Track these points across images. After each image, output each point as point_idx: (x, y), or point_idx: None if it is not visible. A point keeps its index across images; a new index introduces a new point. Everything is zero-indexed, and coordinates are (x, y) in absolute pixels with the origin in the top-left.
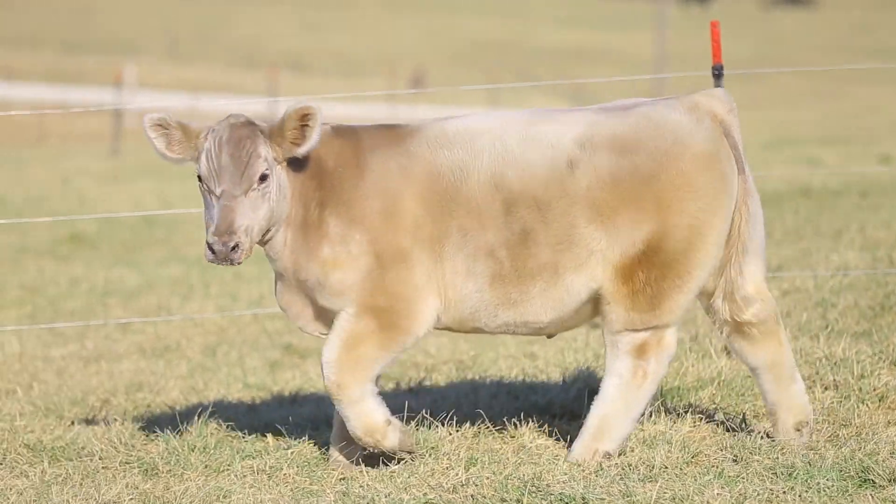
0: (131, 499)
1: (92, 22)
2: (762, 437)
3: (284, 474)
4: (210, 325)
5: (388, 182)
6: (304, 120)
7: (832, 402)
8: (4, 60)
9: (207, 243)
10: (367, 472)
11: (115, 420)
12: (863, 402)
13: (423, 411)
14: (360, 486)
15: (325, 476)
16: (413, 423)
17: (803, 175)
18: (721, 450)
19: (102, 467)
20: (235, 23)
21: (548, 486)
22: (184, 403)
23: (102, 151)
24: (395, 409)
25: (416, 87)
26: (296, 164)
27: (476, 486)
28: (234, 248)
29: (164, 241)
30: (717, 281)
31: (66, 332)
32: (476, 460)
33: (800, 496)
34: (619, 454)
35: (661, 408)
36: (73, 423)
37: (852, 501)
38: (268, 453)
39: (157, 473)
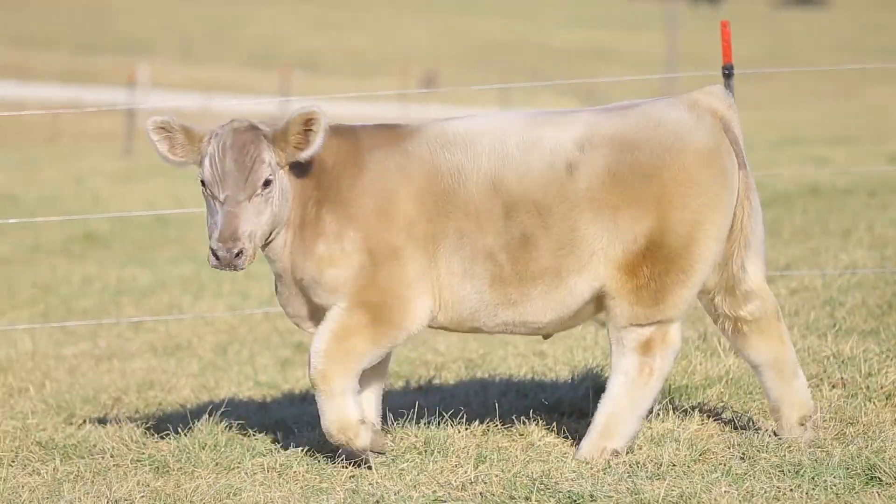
0: (142, 496)
1: (106, 22)
2: (769, 436)
3: (294, 472)
4: (221, 323)
5: (385, 181)
6: (308, 125)
7: (839, 400)
8: (19, 60)
9: (212, 249)
10: (376, 470)
11: (127, 418)
12: (870, 401)
13: (434, 409)
14: (370, 484)
15: (334, 474)
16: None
17: (812, 174)
18: (728, 448)
19: (114, 465)
20: (248, 23)
21: (556, 483)
22: (195, 402)
23: (115, 151)
24: (405, 407)
25: (428, 87)
26: (296, 165)
27: (485, 483)
28: (238, 255)
29: (176, 240)
30: (719, 277)
31: (79, 330)
32: (485, 458)
33: (807, 494)
34: (627, 452)
35: (670, 406)
36: (84, 421)
37: (859, 499)
38: (278, 451)
39: (168, 471)
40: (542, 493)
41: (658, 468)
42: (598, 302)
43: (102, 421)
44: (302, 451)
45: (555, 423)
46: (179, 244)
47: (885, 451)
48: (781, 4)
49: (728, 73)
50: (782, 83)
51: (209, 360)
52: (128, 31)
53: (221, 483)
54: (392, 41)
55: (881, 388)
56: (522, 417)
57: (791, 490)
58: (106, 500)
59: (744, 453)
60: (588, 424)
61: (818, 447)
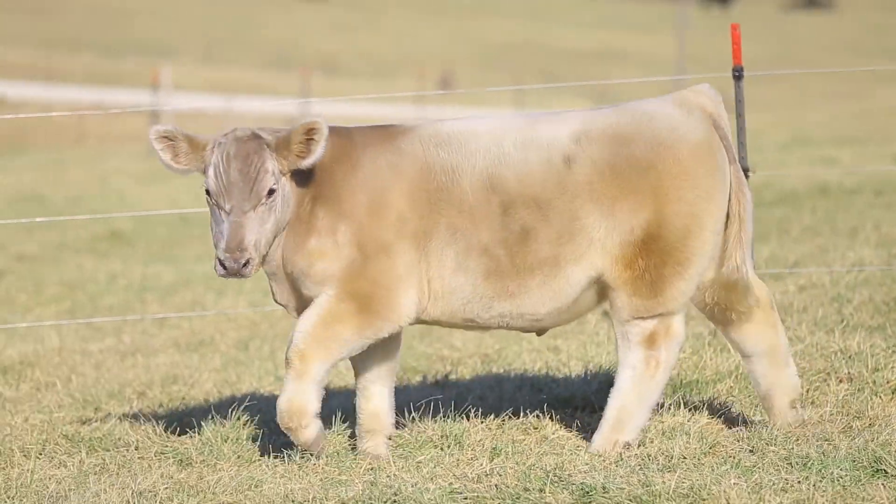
0: (166, 488)
1: (130, 26)
2: (777, 429)
3: (314, 465)
4: (243, 320)
5: (377, 178)
6: (310, 134)
7: (846, 395)
8: (45, 63)
9: (218, 259)
10: (394, 463)
11: (151, 412)
12: (876, 395)
13: (450, 403)
14: (387, 476)
15: (353, 466)
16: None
17: (820, 174)
18: (738, 441)
19: (138, 457)
20: (269, 26)
21: (569, 475)
22: (217, 396)
23: (140, 152)
24: (423, 401)
25: (444, 89)
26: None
27: (500, 476)
28: (245, 265)
29: (199, 238)
30: (716, 272)
31: (104, 326)
32: (500, 451)
33: (814, 486)
34: (639, 445)
35: (680, 400)
36: (110, 414)
37: (865, 491)
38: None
39: (191, 464)
40: (555, 485)
41: (669, 461)
42: (593, 296)
43: (127, 415)
44: None
45: (568, 417)
46: (202, 242)
47: (891, 444)
48: (790, 7)
49: (738, 74)
50: (791, 85)
51: (231, 355)
52: (151, 34)
53: (243, 475)
54: (409, 43)
55: (887, 382)
56: (536, 411)
57: (799, 482)
58: (130, 492)
59: (753, 446)
60: (601, 418)
61: (825, 440)
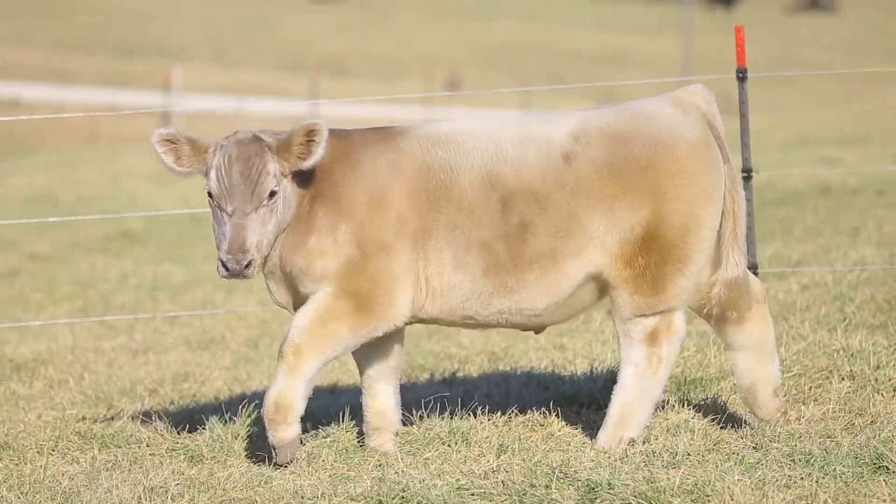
0: (177, 484)
1: (142, 28)
2: (781, 426)
3: (323, 461)
4: (253, 318)
5: (377, 177)
6: (310, 136)
7: (849, 392)
8: (59, 64)
9: (221, 260)
10: (402, 459)
11: (162, 409)
12: (878, 392)
13: (457, 401)
14: (396, 473)
15: (362, 462)
16: (447, 413)
17: (822, 174)
18: (741, 438)
19: (150, 454)
20: (279, 28)
21: (575, 472)
22: (228, 393)
23: (151, 152)
24: (430, 399)
25: (452, 90)
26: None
27: (507, 472)
28: (247, 266)
29: (209, 238)
30: (711, 270)
31: (116, 324)
32: (507, 447)
33: (817, 482)
34: (644, 442)
35: (685, 397)
36: (122, 411)
37: (867, 487)
38: (307, 441)
39: (202, 460)
40: (561, 481)
41: (673, 457)
42: (591, 294)
43: (139, 412)
44: (330, 440)
45: (574, 415)
46: (212, 242)
47: (893, 441)
48: (793, 10)
49: (742, 76)
50: (794, 86)
51: (241, 353)
52: (163, 36)
53: (253, 471)
54: (417, 45)
55: (889, 380)
56: (543, 409)
57: (802, 478)
58: (142, 488)
59: (756, 443)
60: (605, 415)
61: (828, 437)
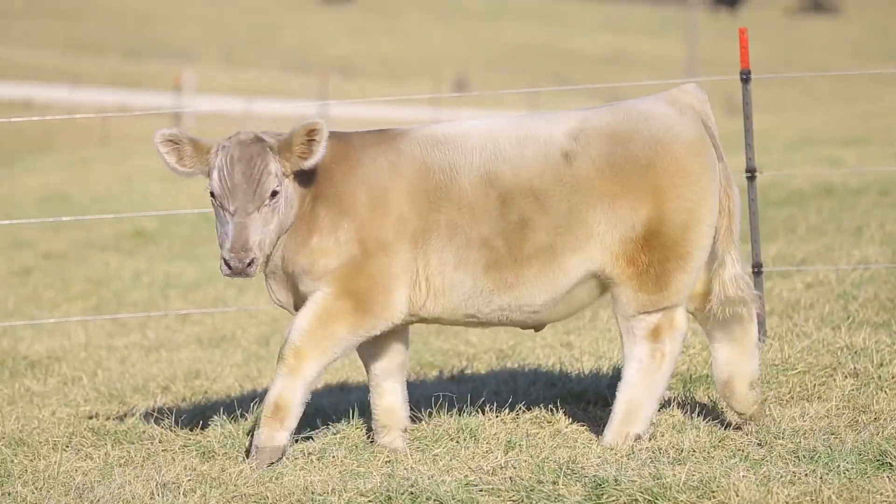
0: (189, 480)
1: (153, 30)
2: (785, 423)
3: (333, 457)
4: (264, 316)
5: (378, 177)
6: (311, 135)
7: (852, 390)
8: (71, 66)
9: (224, 259)
10: (411, 456)
11: (174, 406)
12: (882, 390)
13: (466, 398)
14: (405, 469)
15: (371, 459)
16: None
17: (826, 174)
18: (746, 434)
19: (162, 450)
20: (288, 30)
21: (582, 468)
22: (239, 390)
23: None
24: (439, 396)
25: (459, 91)
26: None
27: (514, 468)
28: (249, 264)
29: None
30: (707, 269)
31: (129, 322)
32: (514, 444)
33: (821, 478)
34: (650, 438)
35: (690, 395)
36: (134, 408)
37: (871, 483)
38: (318, 437)
39: (213, 456)
40: (568, 477)
41: (679, 454)
42: (590, 292)
43: (151, 408)
44: (340, 437)
45: (581, 412)
46: None
47: None
48: (796, 12)
49: (746, 77)
50: (797, 87)
51: (252, 350)
52: (173, 38)
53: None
54: (425, 46)
55: (892, 377)
56: (550, 405)
57: (806, 475)
58: (155, 484)
59: (761, 440)
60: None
61: (832, 434)
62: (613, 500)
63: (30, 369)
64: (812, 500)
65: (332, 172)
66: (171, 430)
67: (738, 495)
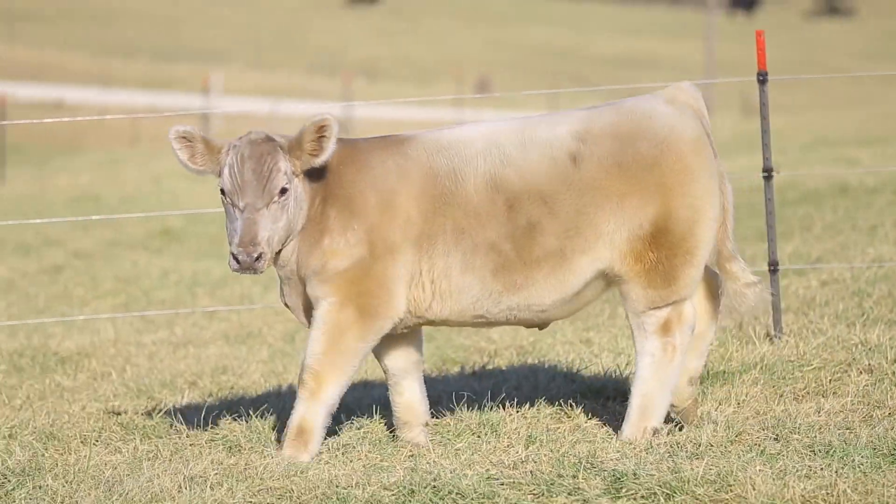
0: (216, 473)
1: (181, 33)
2: (802, 418)
3: (357, 451)
4: (289, 313)
5: (386, 179)
6: (321, 132)
7: (867, 385)
8: (102, 69)
9: (232, 254)
10: (433, 450)
11: (202, 401)
12: None
13: (487, 393)
14: (427, 463)
15: (394, 453)
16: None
17: (841, 174)
18: (763, 429)
19: (190, 444)
20: (314, 33)
21: (602, 462)
22: (264, 386)
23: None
24: (460, 391)
25: (482, 92)
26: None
27: (535, 462)
28: (258, 259)
29: None
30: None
31: (157, 319)
32: (535, 439)
33: (836, 472)
34: (668, 433)
35: (707, 390)
36: (162, 403)
37: (885, 477)
38: (342, 432)
39: (240, 450)
40: (588, 471)
41: (697, 448)
42: (595, 289)
43: (179, 403)
44: (364, 431)
45: (600, 407)
46: None
47: None
48: (812, 14)
49: (762, 79)
50: (813, 89)
51: (278, 347)
52: (202, 41)
53: (289, 457)
54: (448, 49)
55: None
56: (570, 401)
57: (821, 469)
58: (182, 477)
59: (777, 434)
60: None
61: (847, 429)
62: (632, 494)
63: (60, 365)
64: (827, 493)
65: (342, 175)
66: (198, 425)
67: (754, 489)
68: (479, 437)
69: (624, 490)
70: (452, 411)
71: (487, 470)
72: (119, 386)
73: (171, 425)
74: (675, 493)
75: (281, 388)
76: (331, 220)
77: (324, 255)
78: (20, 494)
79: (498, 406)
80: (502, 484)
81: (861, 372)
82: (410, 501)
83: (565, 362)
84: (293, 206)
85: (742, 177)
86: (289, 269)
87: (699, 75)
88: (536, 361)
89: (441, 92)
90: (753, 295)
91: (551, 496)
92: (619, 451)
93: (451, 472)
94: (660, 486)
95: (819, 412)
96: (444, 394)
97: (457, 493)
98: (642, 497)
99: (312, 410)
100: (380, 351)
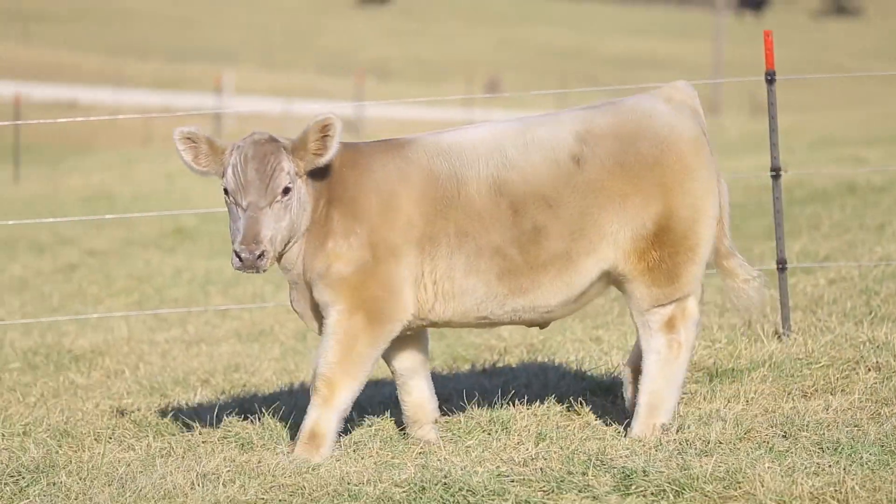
0: (228, 471)
1: (194, 33)
2: (810, 415)
3: (368, 448)
4: None
5: (388, 182)
6: (324, 131)
7: (875, 383)
8: (115, 69)
9: (235, 252)
10: (444, 447)
11: (214, 398)
12: None
13: (497, 391)
14: (438, 460)
15: (405, 450)
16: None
17: (849, 173)
18: (772, 426)
19: (202, 441)
20: (325, 33)
21: (611, 459)
22: (276, 383)
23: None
24: (471, 389)
25: (492, 92)
26: (308, 173)
27: (545, 460)
28: (260, 256)
29: None
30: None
31: (170, 317)
32: (545, 436)
33: (844, 469)
34: (677, 430)
35: (716, 388)
36: (175, 400)
37: (893, 474)
38: (353, 429)
39: (252, 447)
40: (598, 468)
41: (706, 446)
42: (599, 287)
43: (192, 401)
44: (375, 429)
45: (609, 404)
46: None
47: None
48: (820, 15)
49: (771, 78)
50: (821, 88)
51: (290, 345)
52: (214, 41)
53: (301, 458)
54: (458, 49)
55: None
56: (580, 398)
57: (830, 466)
58: (195, 474)
59: (786, 432)
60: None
61: (855, 426)
62: (642, 491)
63: (74, 363)
64: (835, 490)
65: (345, 177)
66: (211, 423)
67: (763, 486)
68: (489, 434)
69: (633, 487)
70: (463, 409)
71: (498, 467)
72: (132, 383)
73: (184, 423)
74: (684, 489)
75: (293, 386)
76: (334, 223)
77: (328, 258)
78: (34, 491)
79: (508, 403)
80: (512, 481)
81: (869, 369)
82: (421, 498)
83: (575, 360)
84: (296, 207)
85: (750, 176)
86: (295, 272)
87: (707, 75)
88: (546, 359)
89: (451, 92)
90: (753, 290)
91: (561, 493)
92: (628, 449)
93: (461, 469)
94: (669, 483)
95: (827, 409)
96: (454, 391)
97: (467, 490)
98: (651, 494)
99: (325, 417)
100: (387, 353)
